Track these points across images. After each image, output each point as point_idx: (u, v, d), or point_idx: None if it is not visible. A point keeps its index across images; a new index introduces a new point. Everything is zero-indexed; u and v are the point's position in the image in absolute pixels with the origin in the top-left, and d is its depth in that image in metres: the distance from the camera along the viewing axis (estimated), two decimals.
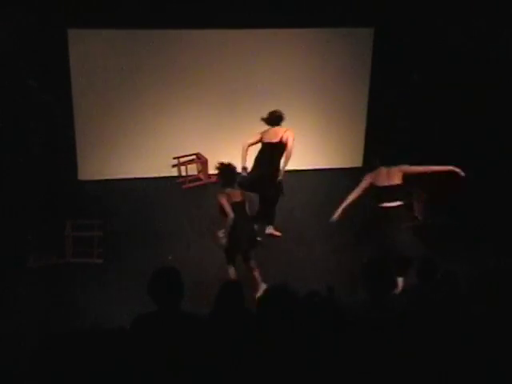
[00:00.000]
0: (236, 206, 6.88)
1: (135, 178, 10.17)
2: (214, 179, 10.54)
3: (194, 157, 10.53)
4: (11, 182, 8.92)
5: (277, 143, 8.39)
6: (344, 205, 7.13)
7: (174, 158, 10.41)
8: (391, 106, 10.49)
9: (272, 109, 9.58)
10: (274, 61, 10.43)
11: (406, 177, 7.13)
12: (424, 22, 9.73)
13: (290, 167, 10.70)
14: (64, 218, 8.16)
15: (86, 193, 9.75)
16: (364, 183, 7.14)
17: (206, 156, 10.59)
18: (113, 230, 8.42)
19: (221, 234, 6.91)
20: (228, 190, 6.95)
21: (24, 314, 6.58)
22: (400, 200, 7.13)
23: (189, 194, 10.08)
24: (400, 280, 6.73)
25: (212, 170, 10.63)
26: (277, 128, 8.45)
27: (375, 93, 10.73)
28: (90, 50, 9.82)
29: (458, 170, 7.11)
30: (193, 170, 10.51)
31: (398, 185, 7.06)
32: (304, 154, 10.96)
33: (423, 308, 4.71)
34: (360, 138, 11.01)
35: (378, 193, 7.06)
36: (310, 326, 4.02)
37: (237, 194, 7.00)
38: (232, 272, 7.09)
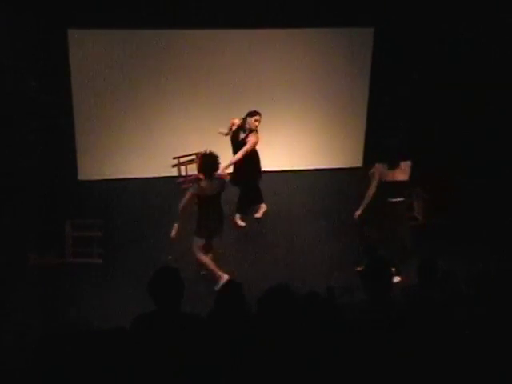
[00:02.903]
0: (209, 199, 7.04)
1: (135, 178, 10.16)
2: None
3: (193, 157, 10.52)
4: (11, 181, 8.92)
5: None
6: (366, 201, 7.36)
7: (174, 158, 10.41)
8: (391, 106, 10.49)
9: (272, 108, 9.62)
10: (274, 61, 10.42)
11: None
12: (424, 22, 9.73)
13: (290, 167, 10.80)
14: (64, 218, 8.16)
15: (85, 193, 9.75)
16: (376, 177, 7.31)
17: None
18: (113, 229, 8.42)
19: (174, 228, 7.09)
20: (203, 183, 7.02)
21: (24, 314, 6.58)
22: (402, 196, 7.38)
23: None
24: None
25: None
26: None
27: (375, 93, 10.73)
28: (89, 50, 9.82)
29: None
30: (193, 170, 10.50)
31: (401, 181, 7.27)
32: (304, 153, 10.99)
33: (423, 308, 4.71)
34: (360, 137, 11.01)
35: (385, 188, 7.28)
36: (310, 326, 4.02)
37: (213, 187, 7.08)
38: (205, 259, 7.27)
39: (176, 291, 4.10)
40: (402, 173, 7.24)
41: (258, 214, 9.15)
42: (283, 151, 10.64)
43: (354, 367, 3.90)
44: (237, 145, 8.65)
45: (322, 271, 7.58)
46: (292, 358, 3.83)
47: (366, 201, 7.37)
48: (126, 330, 4.13)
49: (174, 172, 10.50)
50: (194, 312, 4.22)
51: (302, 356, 3.84)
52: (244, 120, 8.60)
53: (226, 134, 8.79)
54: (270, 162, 10.09)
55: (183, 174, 10.41)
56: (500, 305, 4.50)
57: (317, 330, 4.00)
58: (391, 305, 4.40)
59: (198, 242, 7.26)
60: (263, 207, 9.14)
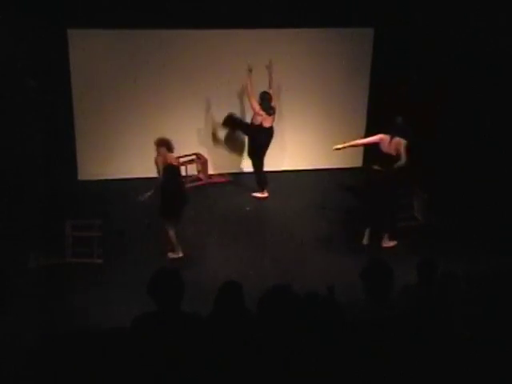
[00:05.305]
0: (170, 168, 7.70)
1: (135, 178, 10.16)
2: (213, 179, 10.60)
3: (193, 157, 10.53)
4: (11, 181, 8.92)
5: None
6: (351, 143, 8.50)
7: None
8: (391, 106, 10.48)
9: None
10: (274, 61, 10.42)
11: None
12: (424, 22, 9.73)
13: (290, 167, 10.81)
14: (64, 218, 8.16)
15: (85, 193, 9.75)
16: (375, 137, 8.19)
17: (206, 156, 10.60)
18: (113, 229, 8.42)
19: (148, 193, 7.76)
20: (163, 150, 7.69)
21: (24, 314, 6.57)
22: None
23: (189, 193, 10.08)
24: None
25: (212, 170, 10.69)
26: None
27: (375, 93, 10.74)
28: (89, 50, 9.82)
29: None
30: (193, 169, 10.52)
31: (393, 155, 7.98)
32: (304, 153, 11.00)
33: (423, 308, 4.71)
34: (360, 137, 10.99)
35: (378, 156, 8.14)
36: (310, 327, 4.02)
37: (173, 158, 7.86)
38: (172, 234, 7.93)
39: (176, 291, 4.10)
40: (395, 148, 7.97)
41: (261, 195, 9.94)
42: (283, 151, 10.65)
43: (354, 367, 3.90)
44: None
45: (321, 271, 7.58)
46: (292, 358, 3.83)
47: (352, 143, 8.48)
48: (126, 329, 4.13)
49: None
50: (194, 312, 4.21)
51: (302, 356, 3.84)
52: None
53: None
54: (270, 161, 10.11)
55: (183, 174, 10.40)
56: (500, 305, 4.50)
57: (317, 330, 4.00)
58: (391, 305, 4.40)
59: None
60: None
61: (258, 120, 9.53)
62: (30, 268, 7.61)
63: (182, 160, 10.37)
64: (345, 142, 8.41)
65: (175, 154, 10.23)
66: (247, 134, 10.02)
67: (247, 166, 10.33)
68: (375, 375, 3.91)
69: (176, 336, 3.99)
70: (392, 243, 8.39)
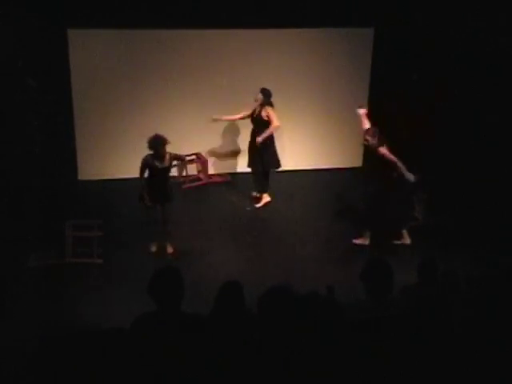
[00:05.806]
0: (159, 171, 7.91)
1: (135, 178, 10.14)
2: (213, 179, 10.59)
3: (193, 157, 10.53)
4: (11, 181, 8.92)
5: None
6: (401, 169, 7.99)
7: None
8: (391, 106, 10.49)
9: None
10: (274, 61, 10.43)
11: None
12: (424, 21, 9.73)
13: (289, 167, 10.81)
14: (64, 218, 8.16)
15: (86, 193, 9.75)
16: (390, 155, 7.99)
17: (206, 156, 10.59)
18: (113, 229, 8.42)
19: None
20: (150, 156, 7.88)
21: (24, 314, 6.57)
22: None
23: (189, 194, 10.08)
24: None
25: (212, 170, 10.69)
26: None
27: (375, 93, 10.73)
28: (90, 50, 9.83)
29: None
30: (193, 170, 10.52)
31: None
32: (304, 153, 11.00)
33: (423, 308, 4.71)
34: (360, 138, 10.97)
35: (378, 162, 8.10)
36: (311, 327, 4.02)
37: (163, 161, 7.94)
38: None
39: (176, 291, 4.10)
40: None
41: (259, 204, 9.54)
42: (283, 151, 10.64)
43: (354, 367, 3.90)
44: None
45: (322, 271, 7.58)
46: (292, 358, 3.82)
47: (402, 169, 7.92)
48: (126, 329, 4.13)
49: (173, 172, 10.48)
50: (194, 312, 4.21)
51: (302, 356, 3.84)
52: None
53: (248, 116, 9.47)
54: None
55: (183, 174, 10.40)
56: (500, 305, 4.50)
57: (317, 330, 4.00)
58: (391, 305, 4.40)
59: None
60: (266, 198, 9.57)
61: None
62: (30, 268, 7.61)
63: None
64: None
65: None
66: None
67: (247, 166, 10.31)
68: (375, 375, 3.91)
69: (176, 336, 3.99)
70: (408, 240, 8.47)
